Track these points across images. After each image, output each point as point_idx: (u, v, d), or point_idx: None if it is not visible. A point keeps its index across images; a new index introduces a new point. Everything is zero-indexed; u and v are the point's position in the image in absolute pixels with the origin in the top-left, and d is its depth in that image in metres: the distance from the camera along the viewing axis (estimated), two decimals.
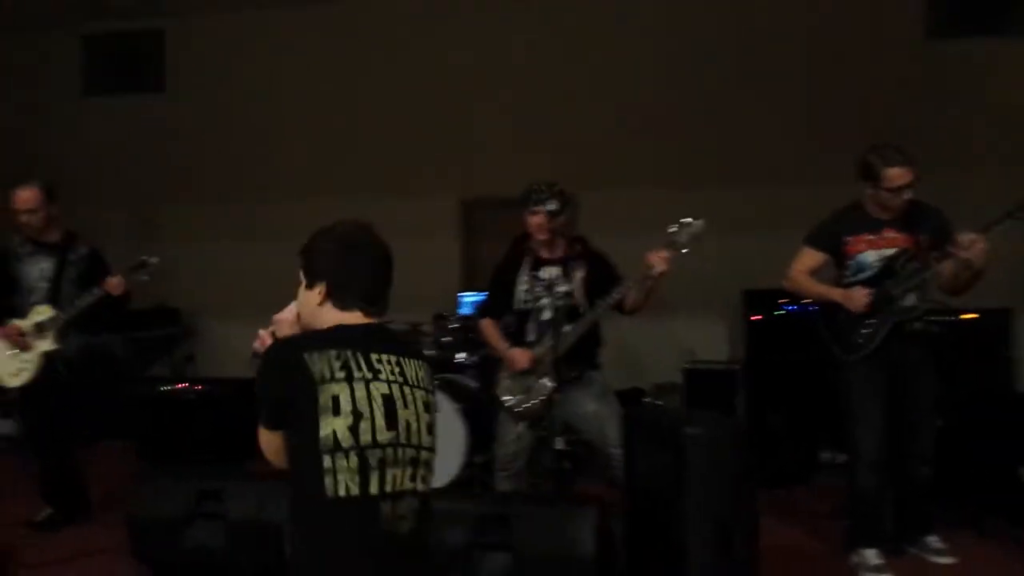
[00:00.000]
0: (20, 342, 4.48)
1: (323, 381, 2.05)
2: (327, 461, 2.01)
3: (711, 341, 7.42)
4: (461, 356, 5.77)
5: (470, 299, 6.81)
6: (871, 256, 3.95)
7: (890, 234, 3.93)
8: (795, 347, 5.93)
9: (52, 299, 4.52)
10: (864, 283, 3.93)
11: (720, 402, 5.96)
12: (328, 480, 2.01)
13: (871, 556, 3.92)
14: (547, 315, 4.08)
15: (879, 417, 3.91)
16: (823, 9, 7.44)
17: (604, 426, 4.03)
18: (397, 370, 2.17)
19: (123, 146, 9.07)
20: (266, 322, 2.77)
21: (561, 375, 3.96)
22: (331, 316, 2.23)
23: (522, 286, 4.14)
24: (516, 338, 4.20)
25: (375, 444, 2.05)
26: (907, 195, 3.84)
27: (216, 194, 8.89)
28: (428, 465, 2.22)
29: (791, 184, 7.37)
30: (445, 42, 8.34)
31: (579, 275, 4.09)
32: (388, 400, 2.11)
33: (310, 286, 2.27)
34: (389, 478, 2.07)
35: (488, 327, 4.30)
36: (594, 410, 4.07)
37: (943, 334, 4.13)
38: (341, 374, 2.07)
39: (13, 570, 3.87)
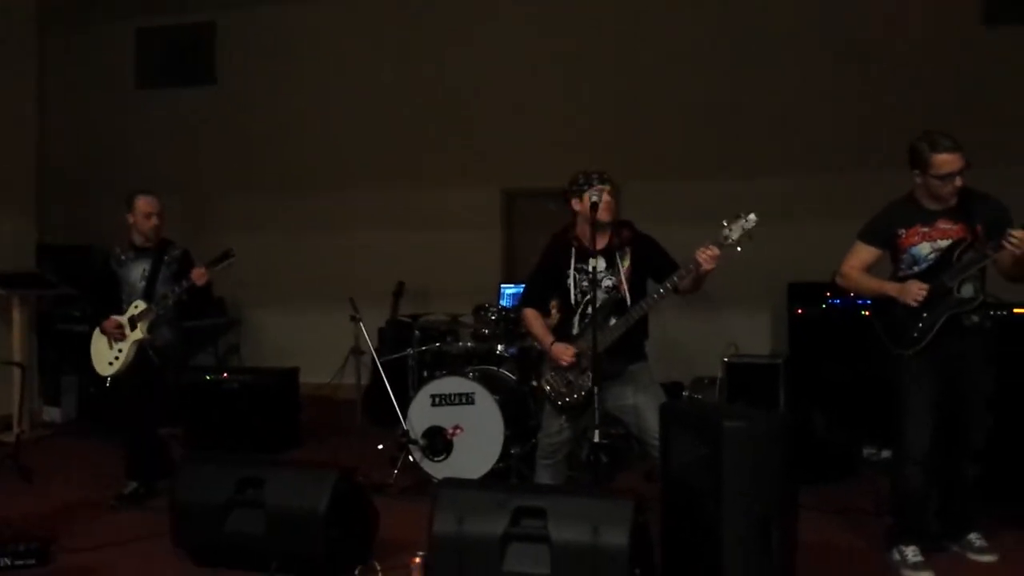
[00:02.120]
0: (117, 334, 4.97)
1: None
2: None
3: (754, 334, 7.34)
4: (500, 348, 5.76)
5: (511, 291, 6.81)
6: (925, 248, 3.85)
7: (944, 225, 3.83)
8: (840, 341, 5.85)
9: (147, 295, 4.98)
10: (919, 276, 3.83)
11: (762, 396, 5.87)
12: None
13: (911, 553, 3.84)
14: (592, 309, 4.03)
15: (929, 413, 3.82)
16: None
17: (645, 417, 3.98)
18: None
19: (175, 137, 9.27)
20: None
21: (602, 370, 3.92)
22: None
23: (571, 279, 4.10)
24: (563, 330, 4.17)
25: None
26: (957, 182, 3.74)
27: (263, 185, 9.03)
28: None
29: (839, 174, 7.26)
30: (489, 34, 8.36)
31: (625, 265, 4.03)
32: None
33: None
34: None
35: (531, 318, 4.25)
36: (634, 403, 4.03)
37: (995, 328, 4.00)
38: None
39: (55, 555, 3.95)
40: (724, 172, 7.54)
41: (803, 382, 5.89)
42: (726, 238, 3.75)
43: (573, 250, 4.10)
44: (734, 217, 3.77)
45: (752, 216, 3.74)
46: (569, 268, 4.09)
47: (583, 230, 4.06)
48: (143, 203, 5.02)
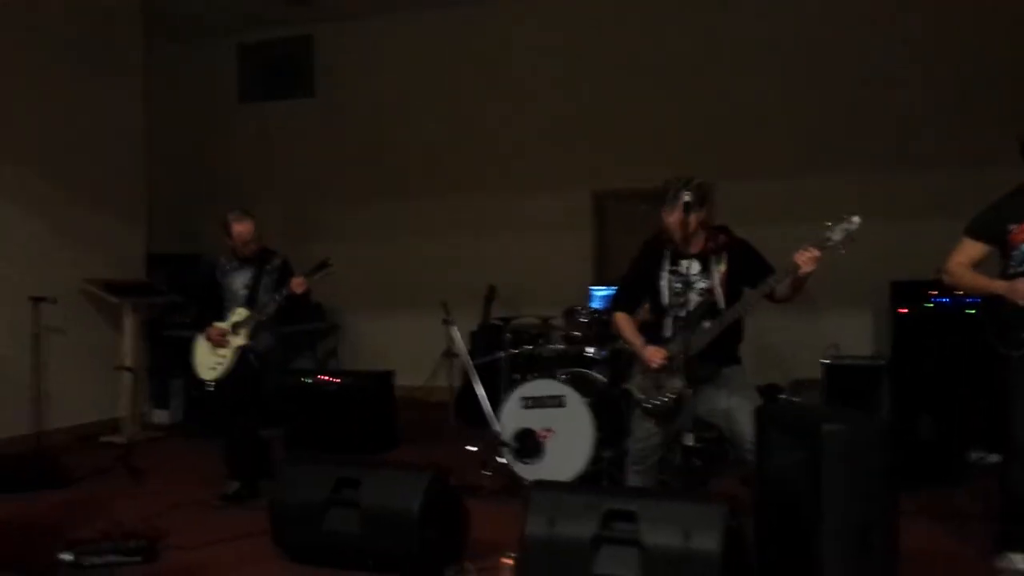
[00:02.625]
0: (220, 340, 5.17)
1: None
2: None
3: (855, 335, 7.13)
4: (591, 350, 5.74)
5: (601, 293, 6.78)
6: None
7: None
8: (945, 341, 5.63)
9: (249, 303, 5.18)
10: None
11: (863, 399, 5.68)
12: None
13: (1020, 560, 3.67)
14: (685, 312, 3.99)
15: None
16: None
17: (738, 421, 3.90)
18: None
19: (276, 148, 9.57)
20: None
21: (693, 374, 3.87)
22: None
23: (664, 281, 4.06)
24: (654, 333, 4.13)
25: None
26: None
27: (360, 194, 9.24)
28: None
29: (942, 169, 7.00)
30: (580, 39, 8.36)
31: (720, 268, 3.95)
32: None
33: None
34: None
35: (623, 321, 4.22)
36: (726, 407, 3.95)
37: None
38: None
39: (161, 552, 4.11)
40: (824, 171, 7.35)
41: (907, 384, 5.67)
42: (828, 239, 3.66)
43: (668, 252, 4.05)
44: (837, 219, 3.67)
45: (856, 218, 3.63)
46: (663, 270, 4.05)
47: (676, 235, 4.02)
48: (237, 230, 5.16)
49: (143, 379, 7.63)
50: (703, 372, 3.91)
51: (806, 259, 3.63)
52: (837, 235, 3.65)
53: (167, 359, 7.75)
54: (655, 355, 3.99)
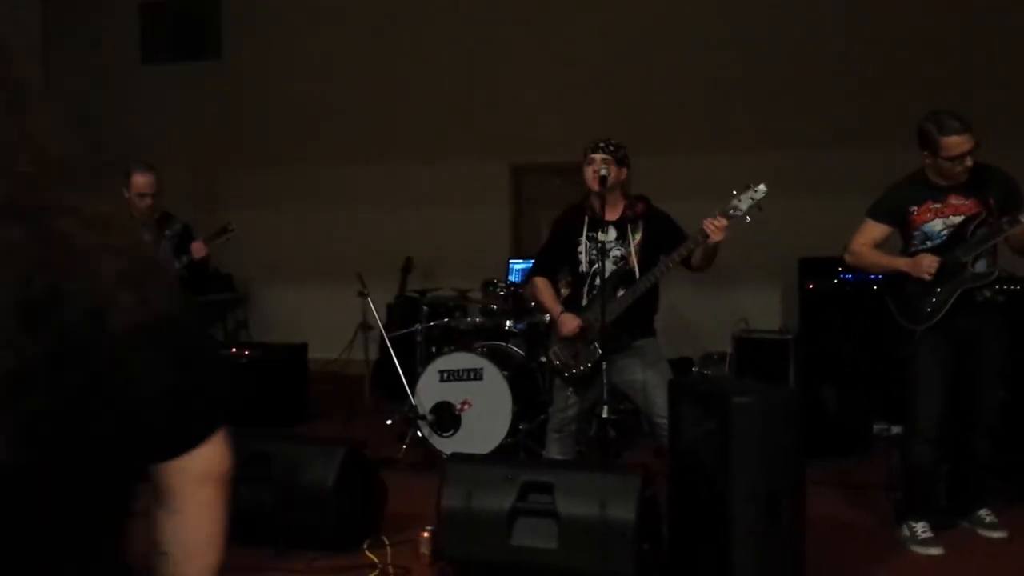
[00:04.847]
0: None
1: None
2: None
3: (764, 310, 7.31)
4: (509, 323, 5.74)
5: (519, 266, 6.78)
6: (938, 224, 3.81)
7: (956, 200, 3.79)
8: (850, 316, 5.81)
9: None
10: (931, 252, 3.80)
11: (772, 372, 5.83)
12: None
13: (921, 529, 3.84)
14: (599, 280, 4.00)
15: (941, 390, 3.80)
16: None
17: (652, 394, 3.95)
18: None
19: (181, 112, 9.22)
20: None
21: (609, 342, 3.90)
22: None
23: (582, 247, 4.06)
24: (572, 303, 4.14)
25: None
26: (967, 162, 3.69)
27: (271, 160, 9.00)
28: None
29: (850, 147, 7.18)
30: (496, 8, 8.27)
31: (636, 237, 3.98)
32: None
33: None
34: None
35: (542, 285, 4.21)
36: (642, 378, 4.00)
37: (1007, 303, 3.97)
38: None
39: None
40: (734, 146, 7.47)
41: (814, 358, 5.84)
42: (735, 208, 3.72)
43: (586, 219, 4.05)
44: (743, 187, 3.74)
45: (762, 186, 3.70)
46: (581, 236, 4.06)
47: (597, 201, 4.03)
48: (137, 180, 4.84)
49: None
50: (617, 340, 3.94)
51: (713, 227, 3.68)
52: (744, 203, 3.71)
53: None
54: (570, 322, 4.01)
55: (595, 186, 3.92)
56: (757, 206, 3.71)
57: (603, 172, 3.88)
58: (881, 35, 7.21)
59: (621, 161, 3.97)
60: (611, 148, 3.93)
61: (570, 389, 4.09)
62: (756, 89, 7.55)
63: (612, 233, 4.01)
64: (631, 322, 3.97)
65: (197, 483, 1.10)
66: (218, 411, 1.13)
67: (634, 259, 3.96)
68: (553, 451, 4.21)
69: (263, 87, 8.99)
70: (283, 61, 8.94)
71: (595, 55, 7.98)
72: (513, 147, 8.24)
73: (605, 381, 3.79)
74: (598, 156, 3.92)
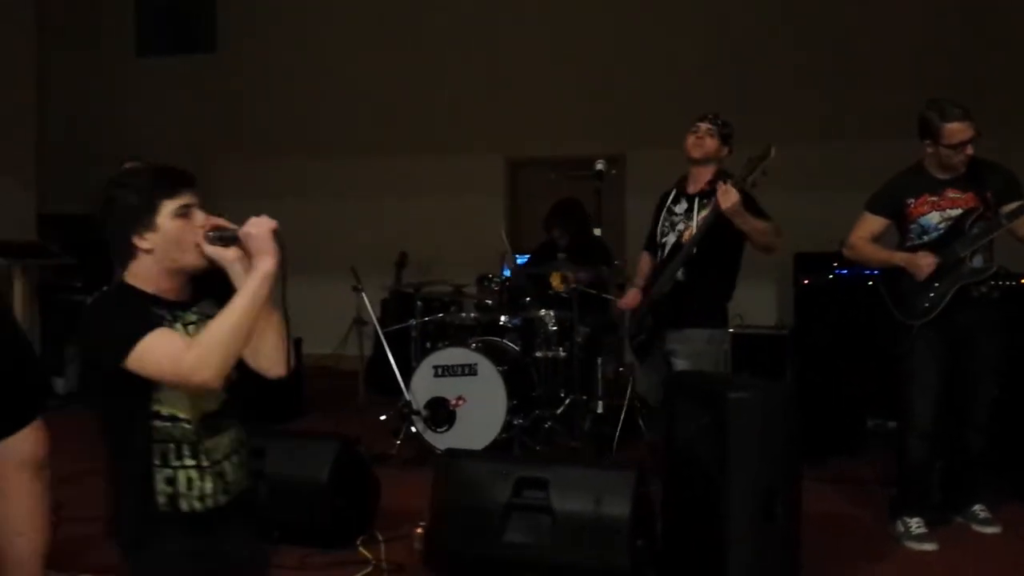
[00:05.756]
0: None
1: None
2: None
3: (760, 305, 7.29)
4: (504, 319, 5.73)
5: (519, 260, 6.75)
6: (935, 218, 3.80)
7: (953, 194, 3.78)
8: (846, 311, 5.80)
9: None
10: (928, 246, 3.79)
11: (768, 368, 5.83)
12: None
13: (915, 524, 3.83)
14: (663, 253, 3.97)
15: (936, 385, 3.79)
16: None
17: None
18: None
19: (175, 104, 9.18)
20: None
21: (660, 315, 3.88)
22: None
23: (661, 219, 4.04)
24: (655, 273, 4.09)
25: None
26: (968, 151, 3.68)
27: (265, 152, 8.97)
28: None
29: (846, 144, 7.17)
30: (493, 3, 8.25)
31: (703, 213, 3.83)
32: None
33: None
34: None
35: (641, 260, 4.25)
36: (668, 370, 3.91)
37: (1003, 299, 3.96)
38: None
39: (55, 523, 3.95)
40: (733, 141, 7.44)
41: (809, 353, 5.85)
42: (743, 178, 3.69)
43: (674, 191, 4.06)
44: (751, 160, 3.72)
45: (772, 151, 3.68)
46: (664, 210, 4.06)
47: (693, 172, 4.00)
48: None
49: (36, 346, 7.28)
50: (664, 316, 3.89)
51: (721, 192, 3.64)
52: (755, 173, 3.69)
53: (61, 324, 7.41)
54: (629, 296, 4.12)
55: (693, 153, 3.92)
56: (762, 171, 3.68)
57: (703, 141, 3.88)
58: (878, 31, 7.19)
59: (725, 139, 3.97)
60: (719, 122, 3.95)
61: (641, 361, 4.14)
62: (752, 85, 7.52)
63: (683, 206, 3.97)
64: (681, 303, 3.86)
65: (16, 468, 1.08)
66: (36, 399, 1.12)
67: (689, 232, 3.87)
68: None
69: (258, 80, 8.95)
70: (279, 54, 8.90)
71: (591, 50, 7.96)
72: (509, 140, 8.22)
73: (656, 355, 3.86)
74: (704, 125, 3.94)
